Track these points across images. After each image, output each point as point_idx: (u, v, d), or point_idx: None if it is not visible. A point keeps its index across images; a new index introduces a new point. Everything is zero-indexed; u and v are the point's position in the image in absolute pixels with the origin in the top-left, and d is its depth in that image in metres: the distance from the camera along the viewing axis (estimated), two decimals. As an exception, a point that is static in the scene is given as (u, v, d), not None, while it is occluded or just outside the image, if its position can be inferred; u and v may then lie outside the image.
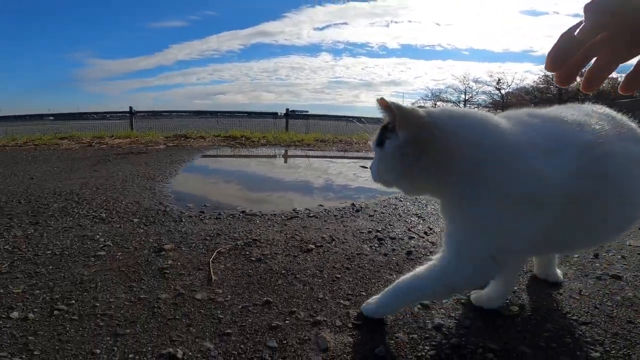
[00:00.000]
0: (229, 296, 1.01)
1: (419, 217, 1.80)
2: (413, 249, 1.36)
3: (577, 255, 1.29)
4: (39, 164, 3.42)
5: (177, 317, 0.92)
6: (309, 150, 4.98)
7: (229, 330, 0.86)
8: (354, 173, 3.20)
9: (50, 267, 1.19)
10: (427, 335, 0.85)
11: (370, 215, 1.83)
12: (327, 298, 1.01)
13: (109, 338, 0.83)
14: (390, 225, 1.67)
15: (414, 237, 1.50)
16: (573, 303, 0.99)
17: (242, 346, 0.81)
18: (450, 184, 0.72)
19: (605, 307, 0.97)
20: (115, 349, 0.79)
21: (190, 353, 0.78)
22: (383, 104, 0.71)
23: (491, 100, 25.22)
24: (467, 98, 26.29)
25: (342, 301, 0.99)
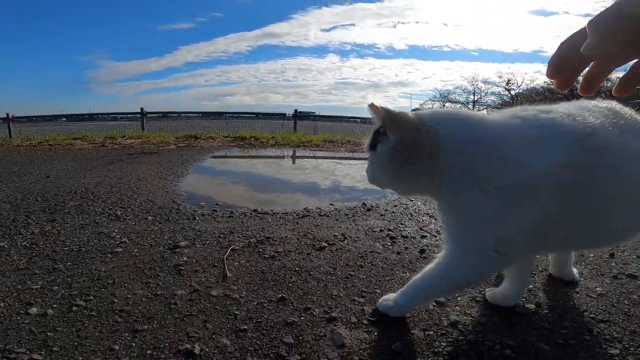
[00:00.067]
0: (244, 293, 1.02)
1: (430, 216, 1.79)
2: (426, 248, 1.36)
3: (592, 255, 1.27)
4: (53, 163, 3.49)
5: (193, 313, 0.93)
6: (318, 150, 4.99)
7: (244, 327, 0.86)
8: (361, 174, 3.20)
9: (68, 263, 1.21)
10: (443, 331, 0.85)
11: (382, 215, 1.82)
12: (341, 295, 1.01)
13: (127, 334, 0.84)
14: (402, 224, 1.67)
15: (426, 236, 1.49)
16: (590, 301, 0.98)
17: (258, 342, 0.81)
18: (441, 182, 0.74)
19: (623, 305, 0.96)
20: (134, 345, 0.80)
21: (207, 349, 0.79)
22: (374, 108, 0.75)
23: (501, 101, 24.87)
24: (476, 99, 25.99)
25: (356, 298, 0.99)
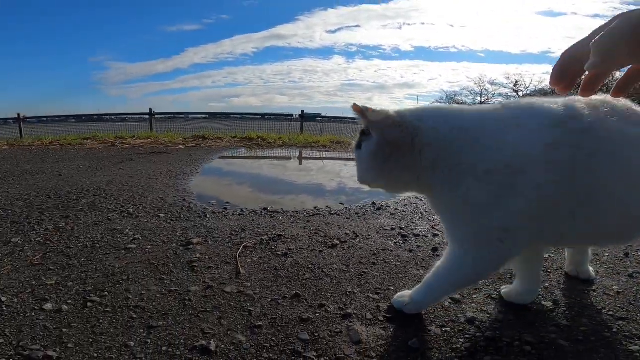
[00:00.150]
0: (258, 289, 1.02)
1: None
2: (438, 246, 1.35)
3: (607, 254, 1.26)
4: (65, 162, 3.53)
5: (208, 309, 0.92)
6: (325, 151, 4.99)
7: (260, 323, 0.86)
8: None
9: (82, 259, 1.22)
10: (460, 328, 0.84)
11: (392, 213, 1.82)
12: (355, 292, 1.01)
13: (142, 330, 0.83)
14: (413, 223, 1.66)
15: (438, 235, 1.48)
16: (607, 299, 0.97)
17: (274, 338, 0.81)
18: (431, 177, 0.75)
19: (640, 303, 0.95)
20: (149, 341, 0.80)
21: (223, 345, 0.78)
22: (356, 109, 0.75)
23: (509, 103, 24.53)
24: (483, 100, 25.74)
25: (371, 295, 0.99)
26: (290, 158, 4.43)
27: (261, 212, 1.81)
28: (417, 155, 0.74)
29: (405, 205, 1.96)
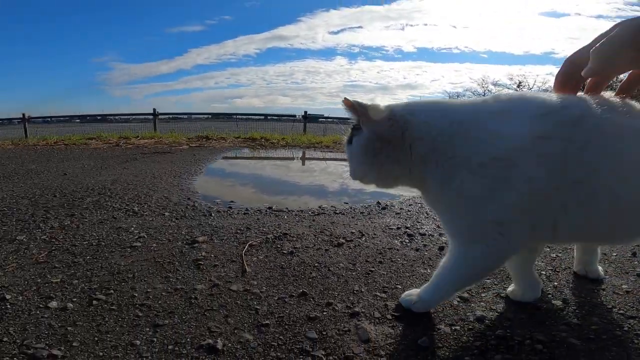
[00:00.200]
0: (264, 288, 1.01)
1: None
2: (445, 245, 1.33)
3: (615, 254, 1.25)
4: (70, 161, 3.54)
5: (214, 307, 0.91)
6: (328, 151, 4.98)
7: (267, 321, 0.85)
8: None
9: (88, 257, 1.21)
10: (470, 326, 0.83)
11: (397, 213, 1.81)
12: (362, 290, 1.00)
13: (148, 329, 0.82)
14: (419, 222, 1.64)
15: (444, 234, 1.47)
16: (617, 298, 0.96)
17: (281, 337, 0.80)
18: (424, 172, 0.76)
19: (651, 302, 0.93)
20: (155, 340, 0.78)
21: (230, 344, 0.77)
22: (347, 103, 0.76)
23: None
24: (485, 101, 25.51)
25: (378, 294, 0.98)
26: (293, 158, 4.43)
27: (266, 211, 1.80)
28: (408, 149, 0.75)
29: (410, 205, 1.95)
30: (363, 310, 0.90)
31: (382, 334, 0.80)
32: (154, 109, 8.48)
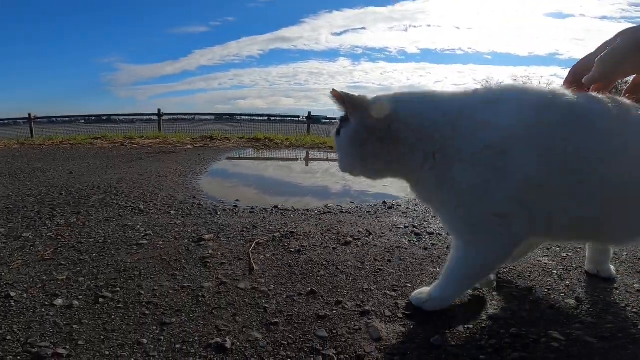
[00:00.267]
0: (272, 286, 1.00)
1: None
2: (454, 245, 1.32)
3: (625, 253, 1.23)
4: (75, 160, 3.55)
5: (222, 306, 0.90)
6: (332, 152, 4.97)
7: (276, 320, 0.83)
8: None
9: (94, 255, 1.21)
10: (483, 325, 0.81)
11: (404, 212, 1.79)
12: (372, 289, 0.98)
13: (155, 327, 0.80)
14: (426, 221, 1.63)
15: (453, 233, 1.45)
16: (630, 297, 0.94)
17: (291, 336, 0.78)
18: (407, 161, 0.75)
19: (664, 301, 0.92)
20: (162, 338, 0.76)
21: (238, 343, 0.75)
22: (335, 94, 0.76)
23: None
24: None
25: (388, 292, 0.96)
26: (297, 159, 4.42)
27: (272, 209, 1.79)
28: (396, 140, 0.74)
29: (416, 205, 1.94)
30: (373, 308, 0.88)
31: (393, 332, 0.79)
32: (159, 110, 8.51)
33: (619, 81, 0.75)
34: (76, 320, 0.82)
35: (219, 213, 1.71)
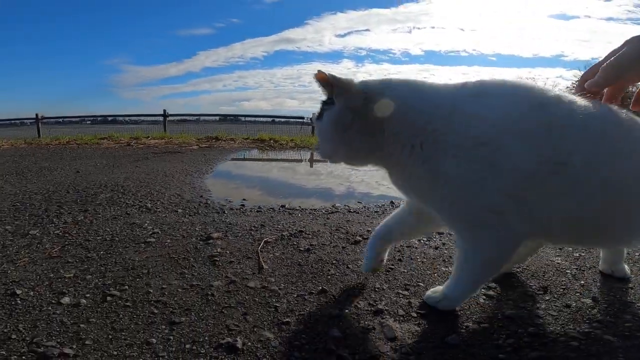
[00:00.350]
0: (282, 285, 0.99)
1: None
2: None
3: (637, 254, 1.20)
4: (82, 160, 3.56)
5: (232, 305, 0.88)
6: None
7: (287, 319, 0.81)
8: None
9: (102, 252, 1.20)
10: (500, 324, 0.79)
11: (413, 212, 1.77)
12: (384, 288, 0.96)
13: (164, 326, 0.78)
14: (436, 221, 1.61)
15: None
16: (647, 296, 0.92)
17: (303, 336, 0.75)
18: (391, 150, 0.74)
19: (679, 300, 0.90)
20: (171, 338, 0.74)
21: (250, 343, 0.73)
22: (320, 76, 0.74)
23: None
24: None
25: (400, 291, 0.94)
26: (302, 160, 4.41)
27: (279, 209, 1.78)
28: (380, 126, 0.73)
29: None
30: (386, 307, 0.86)
31: (408, 331, 0.77)
32: (164, 110, 8.54)
33: (629, 88, 0.78)
34: (83, 319, 0.80)
35: (226, 212, 1.70)
